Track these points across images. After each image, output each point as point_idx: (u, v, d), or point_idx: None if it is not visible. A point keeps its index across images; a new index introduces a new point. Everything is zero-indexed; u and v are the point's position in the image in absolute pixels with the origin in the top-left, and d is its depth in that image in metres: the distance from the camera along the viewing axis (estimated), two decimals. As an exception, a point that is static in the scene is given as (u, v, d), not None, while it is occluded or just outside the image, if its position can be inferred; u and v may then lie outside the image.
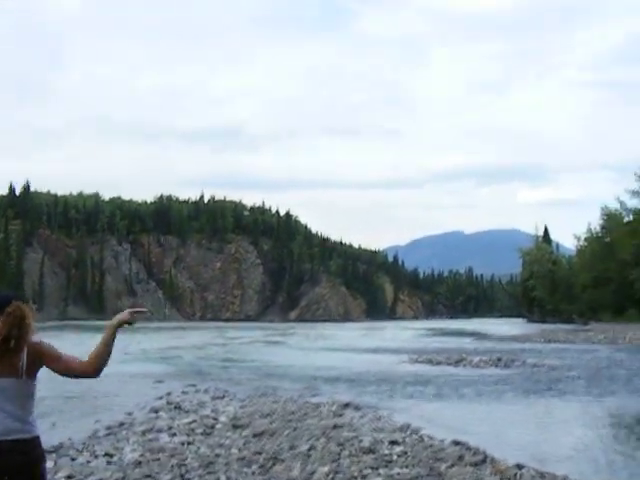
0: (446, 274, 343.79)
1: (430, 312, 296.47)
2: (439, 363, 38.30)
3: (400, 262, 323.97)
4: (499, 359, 38.62)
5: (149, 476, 11.43)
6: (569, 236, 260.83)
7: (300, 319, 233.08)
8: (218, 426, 16.76)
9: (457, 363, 38.02)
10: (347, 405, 21.19)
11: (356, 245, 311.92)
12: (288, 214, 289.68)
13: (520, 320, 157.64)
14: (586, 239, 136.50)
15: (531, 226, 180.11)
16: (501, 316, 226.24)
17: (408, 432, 16.60)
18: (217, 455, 13.14)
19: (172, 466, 12.20)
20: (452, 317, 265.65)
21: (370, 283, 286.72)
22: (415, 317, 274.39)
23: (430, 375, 31.61)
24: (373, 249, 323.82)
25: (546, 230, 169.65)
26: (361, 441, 14.96)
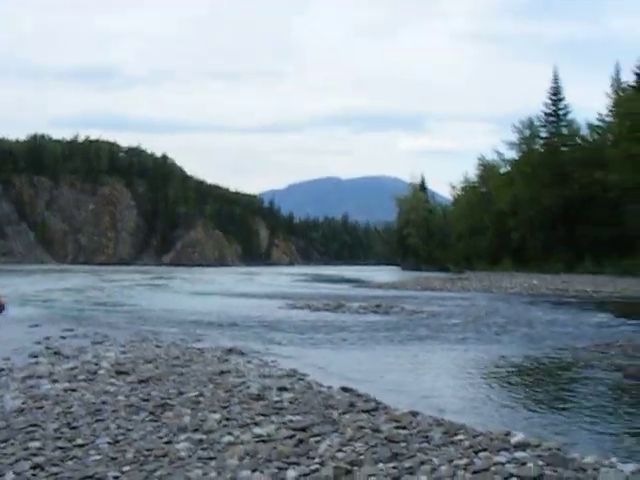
0: (322, 220, 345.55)
1: (305, 258, 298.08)
2: (318, 309, 38.31)
3: (276, 207, 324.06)
4: (378, 306, 38.89)
5: (35, 425, 10.99)
6: (446, 185, 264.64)
7: (175, 263, 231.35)
8: (101, 372, 16.28)
9: (336, 309, 38.14)
10: (231, 351, 20.99)
11: (233, 189, 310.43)
12: (164, 156, 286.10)
13: (395, 268, 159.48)
14: (462, 188, 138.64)
15: (408, 174, 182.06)
16: (376, 263, 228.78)
17: (295, 378, 16.49)
18: (103, 402, 12.72)
19: (57, 414, 11.76)
20: (327, 263, 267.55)
21: (246, 228, 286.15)
22: (290, 263, 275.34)
23: (311, 321, 31.60)
24: (250, 193, 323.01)
25: (423, 178, 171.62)
26: (249, 387, 14.78)
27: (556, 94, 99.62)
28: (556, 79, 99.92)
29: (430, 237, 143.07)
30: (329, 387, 15.35)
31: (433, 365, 20.61)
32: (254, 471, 8.80)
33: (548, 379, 17.82)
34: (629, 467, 8.68)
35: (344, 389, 14.94)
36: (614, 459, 9.22)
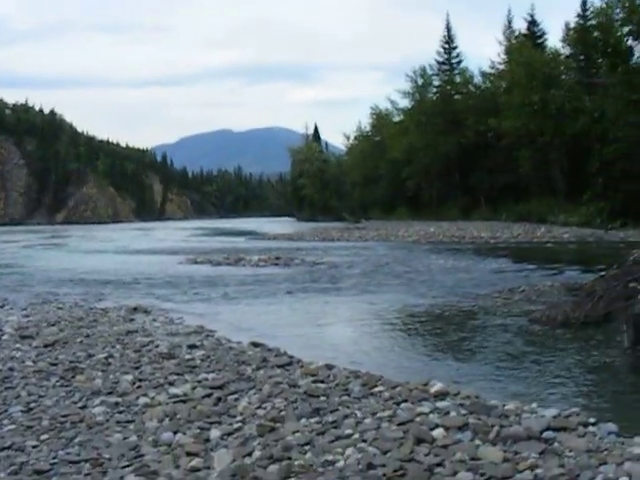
0: (215, 173, 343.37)
1: (200, 212, 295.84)
2: (219, 263, 38.04)
3: (169, 161, 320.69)
4: (278, 258, 38.75)
5: (-61, 396, 10.56)
6: (339, 135, 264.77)
7: (68, 221, 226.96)
8: (5, 337, 15.75)
9: (237, 263, 37.95)
10: (136, 309, 20.65)
11: (124, 144, 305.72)
12: (53, 113, 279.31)
13: (290, 219, 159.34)
14: (356, 138, 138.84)
15: (301, 125, 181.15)
16: (271, 215, 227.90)
17: (204, 335, 16.35)
18: (11, 369, 12.31)
19: (-37, 384, 11.36)
20: (222, 216, 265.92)
21: (139, 183, 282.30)
22: (185, 217, 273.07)
23: (212, 276, 31.34)
24: (141, 148, 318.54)
25: (316, 129, 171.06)
26: (158, 346, 14.57)
27: (449, 42, 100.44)
28: (448, 27, 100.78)
29: (325, 187, 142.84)
30: (239, 343, 15.21)
31: (339, 317, 20.64)
32: (176, 432, 8.59)
33: (456, 327, 17.89)
34: (550, 412, 8.74)
35: (254, 344, 14.80)
36: (534, 405, 9.27)
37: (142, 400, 10.13)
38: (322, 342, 16.19)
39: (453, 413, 8.70)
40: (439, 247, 48.74)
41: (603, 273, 20.81)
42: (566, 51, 73.79)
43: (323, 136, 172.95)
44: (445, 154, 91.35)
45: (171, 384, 11.06)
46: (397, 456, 7.41)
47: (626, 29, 19.82)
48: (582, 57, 62.68)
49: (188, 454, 7.82)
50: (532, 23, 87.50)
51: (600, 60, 24.05)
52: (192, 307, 22.15)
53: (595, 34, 47.79)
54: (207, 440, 8.31)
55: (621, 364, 13.15)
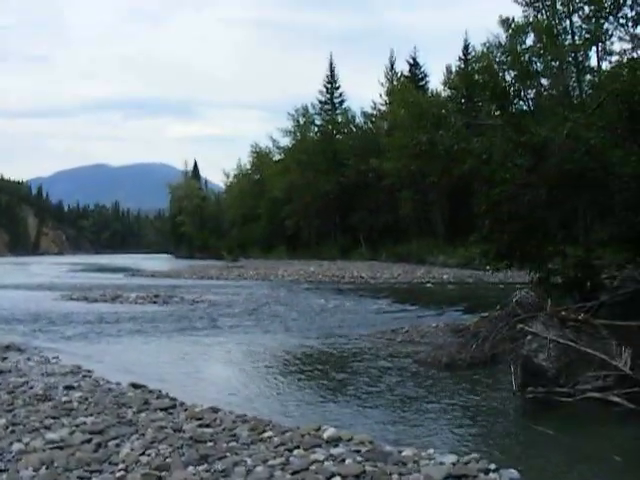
0: (92, 208, 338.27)
1: (75, 247, 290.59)
2: (95, 300, 37.04)
3: (44, 194, 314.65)
4: (157, 295, 38.09)
5: None
6: (218, 172, 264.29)
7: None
8: None
9: (114, 300, 37.02)
10: (8, 347, 19.82)
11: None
12: None
13: (168, 256, 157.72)
14: (235, 176, 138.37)
15: (180, 161, 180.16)
16: (148, 252, 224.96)
17: (80, 375, 15.75)
18: None
19: None
20: (98, 252, 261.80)
21: (12, 216, 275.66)
22: (60, 252, 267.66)
23: (89, 313, 30.41)
24: (16, 180, 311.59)
25: (195, 165, 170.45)
26: (32, 387, 13.91)
27: (331, 82, 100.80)
28: (331, 67, 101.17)
29: (203, 225, 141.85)
30: (118, 384, 14.65)
31: (220, 357, 20.12)
32: (53, 483, 7.97)
33: (341, 369, 17.51)
34: (449, 458, 8.47)
35: (134, 385, 14.26)
36: (431, 450, 8.99)
37: (16, 446, 9.48)
38: (204, 384, 15.75)
39: (349, 460, 8.34)
40: (319, 287, 48.52)
41: (486, 314, 20.86)
42: (447, 93, 75.38)
43: (203, 173, 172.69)
44: (325, 193, 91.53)
45: (47, 428, 10.43)
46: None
47: (513, 73, 20.25)
48: (464, 99, 64.13)
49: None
50: (414, 65, 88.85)
51: (481, 103, 24.52)
52: (68, 345, 21.38)
53: (479, 77, 48.79)
54: (88, 491, 7.76)
55: (511, 407, 13.05)
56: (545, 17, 22.86)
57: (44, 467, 8.52)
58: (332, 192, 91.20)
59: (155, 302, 35.77)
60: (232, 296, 39.91)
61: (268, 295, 40.90)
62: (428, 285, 47.88)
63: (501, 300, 22.01)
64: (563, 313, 15.36)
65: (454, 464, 8.21)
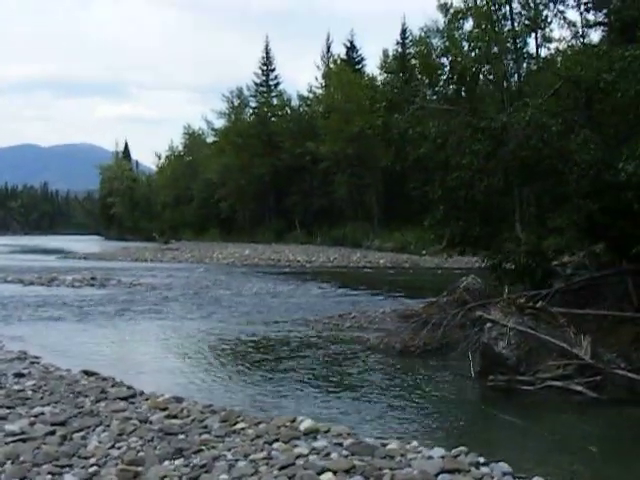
0: (20, 188, 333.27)
1: (3, 228, 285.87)
2: (32, 283, 36.21)
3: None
4: (93, 278, 37.44)
5: None
6: (150, 154, 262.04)
7: None
8: None
9: (50, 283, 36.25)
10: (-57, 336, 19.13)
11: None
12: None
13: (98, 237, 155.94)
14: (167, 157, 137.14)
15: (110, 142, 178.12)
16: (77, 233, 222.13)
17: (28, 362, 15.28)
18: None
19: None
20: (27, 233, 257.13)
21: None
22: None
23: (26, 296, 29.75)
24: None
25: (126, 146, 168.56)
26: (-20, 375, 13.36)
27: (267, 64, 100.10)
28: (267, 49, 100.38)
29: (134, 206, 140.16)
30: (69, 371, 14.25)
31: (166, 343, 19.56)
32: (24, 479, 7.57)
33: (293, 356, 17.16)
34: (436, 452, 8.28)
35: (86, 372, 13.86)
36: (415, 443, 8.78)
37: (-25, 439, 9.04)
38: (155, 372, 15.39)
39: (334, 454, 8.09)
40: (256, 270, 48.21)
41: (434, 300, 20.76)
42: (382, 77, 75.49)
43: (134, 155, 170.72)
44: (260, 176, 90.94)
45: (4, 419, 10.01)
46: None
47: (472, 55, 20.12)
48: (399, 84, 64.01)
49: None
50: (351, 49, 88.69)
51: (430, 88, 24.37)
52: (9, 330, 20.81)
53: (416, 62, 48.75)
54: (63, 488, 7.40)
55: (473, 395, 12.99)
56: (485, 2, 22.72)
57: (9, 462, 8.11)
58: (267, 175, 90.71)
59: (92, 285, 35.20)
60: (169, 279, 39.47)
61: (206, 278, 40.42)
62: (365, 270, 47.84)
63: (441, 285, 22.01)
64: (521, 300, 15.27)
65: (443, 457, 8.02)
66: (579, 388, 12.42)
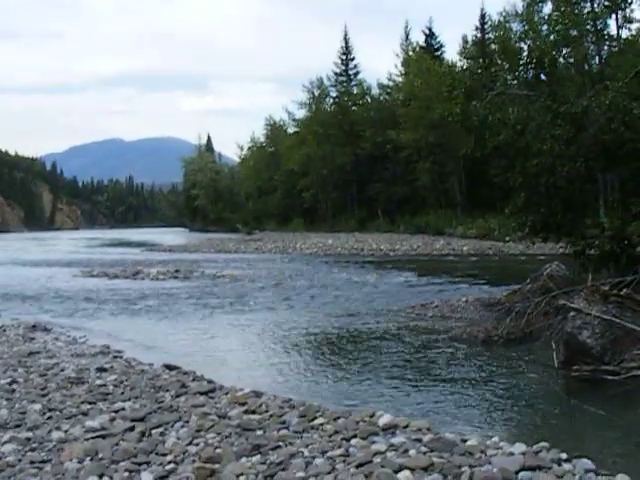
0: (106, 183, 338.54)
1: (90, 222, 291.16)
2: (116, 276, 36.69)
3: (59, 170, 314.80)
4: (177, 270, 37.79)
5: None
6: (232, 146, 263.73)
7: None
8: None
9: (134, 275, 36.69)
10: (35, 327, 19.52)
11: (12, 152, 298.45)
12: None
13: (182, 229, 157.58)
14: (250, 149, 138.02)
15: (193, 135, 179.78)
16: (162, 226, 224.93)
17: (111, 356, 15.42)
18: None
19: None
20: (113, 227, 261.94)
21: (27, 192, 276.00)
22: (75, 227, 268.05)
23: (110, 290, 30.15)
24: (31, 156, 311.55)
25: (209, 139, 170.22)
26: (64, 369, 13.57)
27: (346, 54, 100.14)
28: (346, 38, 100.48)
29: (218, 198, 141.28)
30: (151, 365, 14.33)
31: (248, 336, 19.46)
32: (102, 476, 7.61)
33: (375, 347, 17.00)
34: (517, 448, 8.05)
35: (168, 367, 13.92)
36: (496, 439, 8.59)
37: (55, 435, 9.14)
38: (237, 365, 15.30)
39: (412, 451, 7.91)
40: (339, 260, 48.11)
41: (517, 287, 20.49)
42: (462, 64, 74.76)
43: (216, 147, 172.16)
44: (342, 165, 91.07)
45: (85, 415, 10.12)
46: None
47: (551, 39, 19.71)
48: (480, 70, 63.25)
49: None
50: (430, 36, 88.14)
51: (509, 73, 23.99)
52: (93, 324, 21.07)
53: (496, 47, 48.11)
54: (139, 485, 7.41)
55: (557, 386, 12.66)
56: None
57: (88, 458, 8.16)
58: (349, 164, 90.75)
59: (176, 277, 35.49)
60: (252, 270, 39.62)
61: (289, 269, 40.53)
62: (449, 257, 47.52)
63: (526, 272, 21.68)
64: (605, 288, 14.94)
65: (524, 454, 7.82)
66: (666, 377, 12.11)
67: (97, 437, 8.89)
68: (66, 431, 9.28)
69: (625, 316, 13.63)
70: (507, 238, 52.34)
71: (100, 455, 8.22)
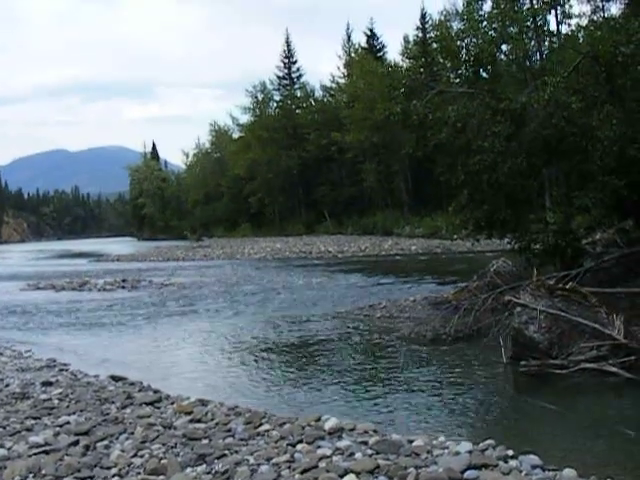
0: (52, 194, 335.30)
1: (37, 234, 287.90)
2: (63, 288, 36.27)
3: (3, 183, 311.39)
4: (125, 280, 37.43)
5: None
6: (178, 153, 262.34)
7: None
8: None
9: (82, 287, 36.31)
10: (-25, 343, 19.14)
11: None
12: None
13: (130, 239, 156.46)
14: (195, 155, 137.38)
15: (139, 143, 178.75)
16: (110, 235, 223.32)
17: (57, 369, 15.20)
18: None
19: None
20: (60, 238, 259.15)
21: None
22: (22, 240, 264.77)
23: (57, 302, 29.78)
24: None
25: (154, 147, 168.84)
26: (8, 385, 13.31)
27: (288, 57, 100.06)
28: (288, 42, 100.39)
29: (165, 206, 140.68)
30: (96, 376, 14.15)
31: (196, 344, 19.25)
32: (44, 494, 7.45)
33: (324, 350, 16.91)
34: (463, 447, 8.01)
35: (114, 378, 13.75)
36: (442, 438, 8.54)
37: (-1, 452, 8.92)
38: (184, 374, 15.15)
39: (358, 454, 7.86)
40: (287, 263, 48.06)
41: (464, 285, 20.55)
42: (405, 64, 74.88)
43: (162, 154, 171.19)
44: (288, 169, 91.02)
45: (29, 430, 9.92)
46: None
47: (489, 35, 19.72)
48: (422, 69, 63.62)
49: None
50: (371, 37, 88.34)
51: (451, 72, 24.00)
52: (39, 337, 20.82)
53: (438, 46, 48.35)
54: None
55: (506, 382, 12.71)
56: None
57: (31, 475, 7.96)
58: (294, 167, 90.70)
59: (124, 287, 35.19)
60: (200, 277, 39.42)
61: (237, 274, 40.42)
62: (397, 257, 47.64)
63: (475, 269, 21.75)
64: (550, 282, 15.00)
65: (470, 452, 7.77)
66: (613, 369, 12.17)
67: (41, 453, 8.71)
68: (9, 448, 9.07)
69: (571, 309, 13.71)
70: (454, 236, 52.54)
71: (43, 472, 8.02)
